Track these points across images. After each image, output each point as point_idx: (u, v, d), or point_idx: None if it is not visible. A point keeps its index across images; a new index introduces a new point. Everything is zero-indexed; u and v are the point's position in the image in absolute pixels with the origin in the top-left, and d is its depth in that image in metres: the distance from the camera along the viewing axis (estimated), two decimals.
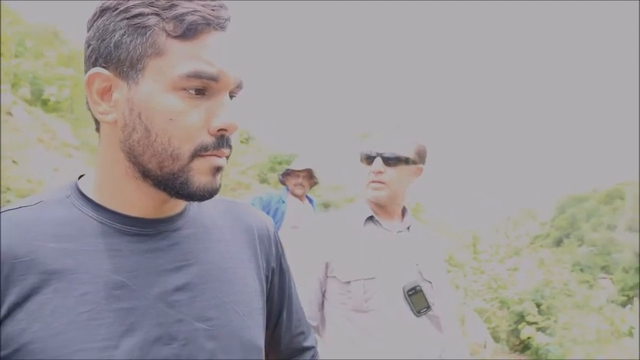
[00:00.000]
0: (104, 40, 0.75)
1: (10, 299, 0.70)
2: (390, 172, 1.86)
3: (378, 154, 1.86)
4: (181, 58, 0.73)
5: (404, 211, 2.00)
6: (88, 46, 0.78)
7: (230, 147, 0.81)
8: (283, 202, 4.45)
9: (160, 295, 0.78)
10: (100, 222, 0.79)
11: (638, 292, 27.90)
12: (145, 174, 0.78)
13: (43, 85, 7.92)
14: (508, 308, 9.45)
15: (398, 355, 1.72)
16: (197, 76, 0.73)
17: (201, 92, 0.75)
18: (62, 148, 7.00)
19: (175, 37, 0.73)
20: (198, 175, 0.77)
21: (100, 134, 0.82)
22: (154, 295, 0.78)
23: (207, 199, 0.80)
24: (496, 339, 8.92)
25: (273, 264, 1.02)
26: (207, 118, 0.76)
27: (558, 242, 43.64)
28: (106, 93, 0.77)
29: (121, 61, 0.74)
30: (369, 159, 1.89)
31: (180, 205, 0.87)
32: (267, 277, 1.00)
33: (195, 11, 0.73)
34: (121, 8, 0.74)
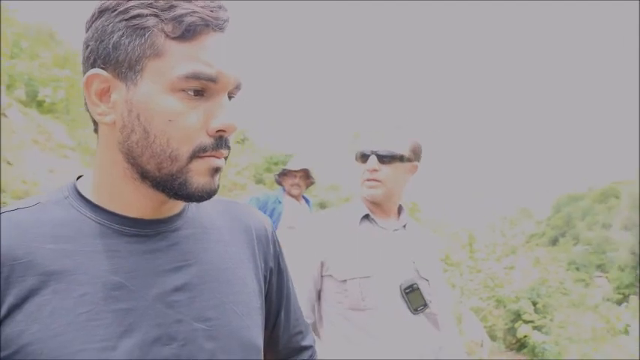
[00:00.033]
0: (103, 41, 0.75)
1: (9, 301, 0.70)
2: (385, 170, 1.86)
3: (373, 152, 1.86)
4: (180, 60, 0.73)
5: (400, 209, 2.00)
6: (87, 47, 0.77)
7: (229, 148, 0.81)
8: (280, 202, 4.44)
9: (158, 296, 0.78)
10: (99, 223, 0.79)
11: (633, 290, 28.01)
12: (144, 175, 0.78)
13: (38, 86, 7.89)
14: (504, 307, 9.48)
15: (396, 354, 1.72)
16: (196, 77, 0.73)
17: (199, 93, 0.75)
18: (57, 149, 6.98)
19: (174, 39, 0.73)
20: (197, 176, 0.77)
21: (99, 135, 0.81)
22: (152, 295, 0.78)
23: (206, 199, 0.80)
24: (493, 337, 8.94)
25: (272, 264, 1.03)
26: (205, 119, 0.76)
27: (554, 241, 43.80)
28: (104, 94, 0.77)
29: (119, 62, 0.74)
30: (364, 157, 1.89)
31: (178, 205, 0.87)
32: (265, 277, 1.00)
33: (194, 12, 0.73)
34: (120, 9, 0.74)
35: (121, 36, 0.73)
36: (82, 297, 0.73)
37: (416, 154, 1.93)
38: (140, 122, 0.74)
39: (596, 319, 10.43)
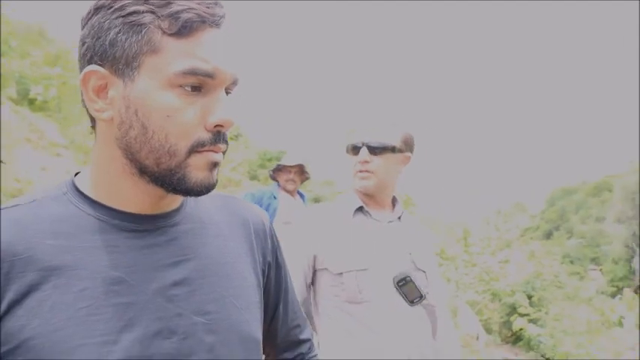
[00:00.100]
0: (99, 38, 0.75)
1: (9, 296, 0.70)
2: (377, 162, 1.85)
3: (364, 144, 1.85)
4: (177, 56, 0.74)
5: (394, 201, 1.99)
6: (83, 44, 0.78)
7: (226, 143, 0.81)
8: (275, 197, 4.43)
9: (158, 290, 0.78)
10: (97, 218, 0.79)
11: (627, 282, 28.19)
12: (142, 170, 0.78)
13: (30, 84, 7.85)
14: (500, 300, 9.51)
15: (393, 346, 1.72)
16: (193, 73, 0.74)
17: (197, 89, 0.76)
18: (50, 147, 6.95)
19: (171, 35, 0.74)
20: (196, 170, 0.78)
21: (96, 132, 0.82)
22: (152, 290, 0.78)
23: (205, 194, 0.81)
24: (488, 331, 8.97)
25: (270, 258, 1.03)
26: (203, 115, 0.77)
27: (548, 235, 43.99)
28: (101, 91, 0.77)
29: (116, 59, 0.75)
30: (355, 149, 1.88)
31: (177, 200, 0.88)
32: (263, 272, 1.01)
33: (191, 9, 0.74)
34: (116, 6, 0.74)
35: (118, 33, 0.74)
36: (82, 292, 0.73)
37: (407, 145, 1.92)
38: (138, 118, 0.75)
39: (590, 311, 10.50)
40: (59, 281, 0.72)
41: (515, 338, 8.80)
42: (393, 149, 1.85)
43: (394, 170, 1.90)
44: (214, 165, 0.80)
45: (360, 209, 1.89)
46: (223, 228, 0.94)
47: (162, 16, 0.73)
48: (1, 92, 6.81)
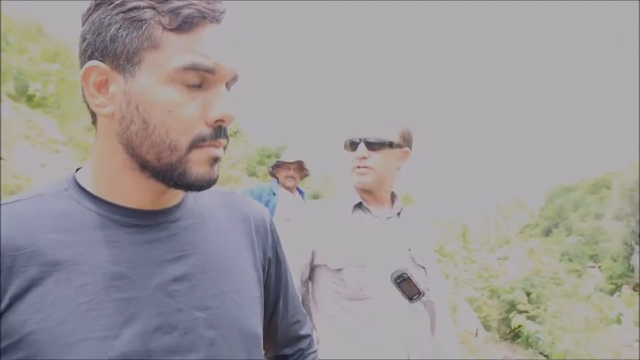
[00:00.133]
0: (100, 33, 0.75)
1: (12, 290, 0.70)
2: (375, 157, 1.84)
3: (362, 139, 1.84)
4: (177, 51, 0.74)
5: (393, 196, 1.98)
6: (84, 40, 0.78)
7: (227, 137, 0.81)
8: (274, 194, 4.43)
9: (159, 286, 0.79)
10: (99, 214, 0.79)
11: (625, 280, 28.24)
12: (143, 165, 0.78)
13: (28, 80, 7.83)
14: (498, 297, 9.53)
15: (393, 342, 1.71)
16: (193, 68, 0.74)
17: (197, 84, 0.76)
18: (49, 144, 6.93)
19: (171, 30, 0.74)
20: (196, 165, 0.78)
21: (97, 127, 0.82)
22: (153, 285, 0.78)
23: (206, 189, 0.81)
24: (487, 327, 8.99)
25: (270, 254, 1.03)
26: (204, 110, 0.77)
27: (547, 232, 44.05)
28: (102, 86, 0.77)
29: (117, 55, 0.75)
30: (353, 145, 1.87)
31: (177, 196, 0.88)
32: (264, 267, 1.01)
33: (191, 4, 0.74)
34: (117, 2, 0.74)
35: (119, 28, 0.74)
36: (84, 287, 0.73)
37: (406, 140, 1.90)
38: (139, 113, 0.75)
39: (589, 308, 10.52)
40: (61, 276, 0.73)
41: (514, 335, 8.82)
42: (391, 145, 1.84)
43: (393, 166, 1.89)
44: (215, 160, 0.80)
45: (359, 205, 1.88)
46: (223, 223, 0.94)
47: (162, 11, 0.73)
48: (0, 89, 6.80)
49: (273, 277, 1.06)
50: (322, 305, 1.81)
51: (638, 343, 9.66)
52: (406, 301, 1.75)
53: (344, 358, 1.72)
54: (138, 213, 0.82)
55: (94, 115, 0.82)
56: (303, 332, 1.18)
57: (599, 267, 33.65)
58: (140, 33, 0.73)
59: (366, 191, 1.90)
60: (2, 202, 0.77)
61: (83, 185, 0.82)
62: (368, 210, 1.88)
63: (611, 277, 30.14)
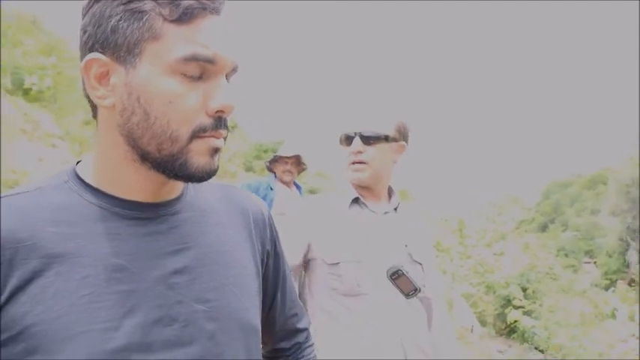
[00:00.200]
0: (100, 25, 0.75)
1: (13, 282, 0.70)
2: (371, 152, 1.82)
3: (357, 134, 1.82)
4: (178, 42, 0.74)
5: (390, 191, 1.96)
6: (84, 32, 0.78)
7: (227, 128, 0.82)
8: (271, 189, 4.42)
9: (159, 278, 0.79)
10: (99, 206, 0.80)
11: (620, 275, 28.33)
12: (144, 157, 0.79)
13: (24, 74, 7.79)
14: (494, 293, 9.56)
15: (389, 339, 1.71)
16: (194, 58, 0.74)
17: (197, 75, 0.76)
18: (45, 138, 6.91)
19: (172, 22, 0.74)
20: (197, 156, 0.78)
21: (98, 119, 0.82)
22: (153, 277, 0.79)
23: (206, 179, 0.81)
24: (483, 323, 9.03)
25: (268, 247, 1.04)
26: (204, 100, 0.77)
27: (543, 227, 44.11)
28: (103, 78, 0.78)
29: (118, 46, 0.75)
30: (348, 139, 1.85)
31: (177, 189, 0.88)
32: (262, 260, 1.01)
33: None
34: None
35: (119, 20, 0.74)
36: (85, 279, 0.74)
37: (401, 134, 1.88)
38: (140, 104, 0.75)
39: (584, 303, 10.58)
40: (62, 268, 0.73)
41: (510, 330, 8.86)
42: (386, 138, 1.83)
43: (389, 160, 1.87)
44: (216, 150, 0.80)
45: (356, 200, 1.86)
46: (222, 216, 0.94)
47: (162, 3, 0.74)
48: (0, 84, 6.77)
49: (272, 270, 1.06)
50: (318, 300, 1.80)
51: (632, 338, 9.71)
52: (403, 297, 1.74)
53: (340, 354, 1.71)
54: (139, 205, 0.82)
55: (94, 108, 0.82)
56: (300, 326, 1.18)
57: (595, 262, 33.73)
58: (141, 24, 0.74)
59: (362, 187, 1.88)
60: (3, 195, 0.77)
61: (83, 178, 0.82)
62: (365, 205, 1.86)
63: (606, 273, 30.23)
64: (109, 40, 0.75)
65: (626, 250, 31.34)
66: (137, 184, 0.82)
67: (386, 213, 1.88)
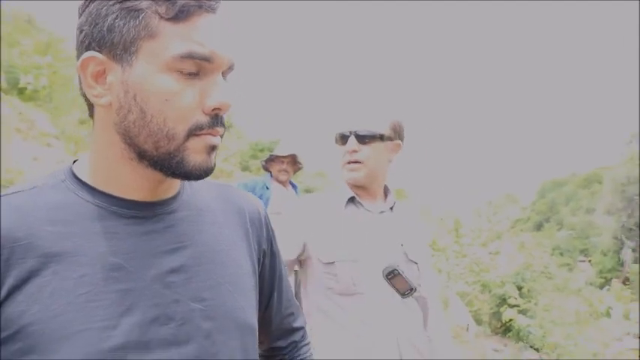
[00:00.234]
0: (97, 24, 0.75)
1: (9, 282, 0.70)
2: (366, 151, 1.81)
3: (352, 133, 1.82)
4: (174, 40, 0.74)
5: (386, 190, 1.96)
6: (81, 31, 0.78)
7: (224, 126, 0.82)
8: (267, 188, 4.42)
9: (156, 277, 0.79)
10: (96, 205, 0.80)
11: (615, 274, 28.43)
12: (141, 155, 0.79)
13: (19, 73, 7.76)
14: (490, 291, 9.57)
15: (385, 338, 1.71)
16: (190, 56, 0.75)
17: (194, 73, 0.76)
18: (41, 137, 6.89)
19: (168, 20, 0.74)
20: (194, 154, 0.78)
21: (95, 118, 0.82)
22: (150, 276, 0.79)
23: (204, 177, 0.81)
24: (478, 322, 9.04)
25: (265, 246, 1.04)
26: (201, 98, 0.77)
27: (538, 226, 44.21)
28: (100, 76, 0.78)
29: (114, 45, 0.75)
30: (343, 138, 1.84)
31: (174, 188, 0.88)
32: (258, 259, 1.01)
33: None
34: None
35: (115, 18, 0.74)
36: (82, 278, 0.74)
37: (397, 133, 1.88)
38: (137, 102, 0.75)
39: (579, 302, 10.59)
40: (59, 267, 0.73)
41: (505, 329, 8.87)
42: (381, 137, 1.82)
43: (384, 159, 1.87)
44: (212, 148, 0.80)
45: (352, 200, 1.86)
46: (219, 216, 0.94)
47: (159, 1, 0.74)
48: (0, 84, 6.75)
49: (268, 270, 1.06)
50: (314, 299, 1.79)
51: (627, 337, 9.74)
52: (398, 297, 1.73)
53: (336, 353, 1.71)
54: (136, 204, 0.82)
55: (91, 107, 0.82)
56: (296, 324, 1.18)
57: (590, 261, 33.86)
58: (137, 22, 0.74)
59: (358, 186, 1.88)
60: (2, 194, 0.77)
61: (80, 177, 0.82)
62: (361, 204, 1.86)
63: (601, 271, 30.35)
64: (105, 39, 0.75)
65: (621, 248, 31.46)
66: (134, 183, 0.82)
67: (382, 212, 1.88)
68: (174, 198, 0.88)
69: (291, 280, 1.83)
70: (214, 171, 0.83)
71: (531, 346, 8.06)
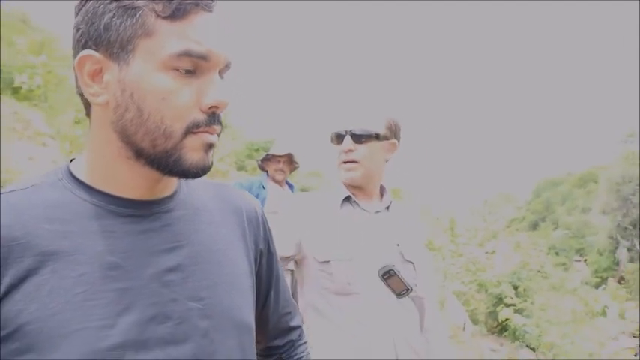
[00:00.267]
0: (93, 23, 0.75)
1: (7, 280, 0.70)
2: (362, 150, 1.81)
3: (348, 132, 1.81)
4: (171, 38, 0.74)
5: (382, 190, 1.95)
6: (77, 30, 0.78)
7: (221, 124, 0.82)
8: (263, 188, 4.42)
9: (153, 276, 0.79)
10: (94, 204, 0.80)
11: (611, 273, 28.53)
12: (138, 153, 0.79)
13: (14, 73, 7.73)
14: (486, 291, 9.59)
15: (381, 338, 1.70)
16: (187, 54, 0.75)
17: (191, 71, 0.77)
18: (36, 137, 6.86)
19: (164, 18, 0.74)
20: (191, 152, 0.79)
21: (91, 117, 0.82)
22: (148, 275, 0.79)
23: (201, 175, 0.81)
24: (474, 321, 9.06)
25: (262, 245, 1.04)
26: (198, 96, 0.78)
27: (534, 226, 44.32)
28: (97, 75, 0.78)
29: (111, 43, 0.75)
30: (339, 138, 1.84)
31: (171, 187, 0.88)
32: (255, 259, 1.01)
33: None
34: None
35: (112, 17, 0.74)
36: (80, 277, 0.74)
37: (393, 132, 1.87)
38: (134, 101, 0.75)
39: (575, 301, 10.64)
40: (57, 266, 0.73)
41: (501, 328, 8.89)
42: (377, 137, 1.81)
43: (380, 158, 1.86)
44: (210, 146, 0.80)
45: (348, 199, 1.85)
46: (216, 215, 0.94)
47: None
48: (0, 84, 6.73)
49: (265, 269, 1.06)
50: (309, 298, 1.79)
51: (623, 335, 9.79)
52: (394, 297, 1.73)
53: (331, 352, 1.71)
54: (133, 203, 0.82)
55: (87, 106, 0.82)
56: (293, 323, 1.19)
57: (586, 260, 33.96)
58: (134, 21, 0.74)
59: (354, 186, 1.87)
60: (1, 192, 0.77)
61: (77, 176, 0.82)
62: (357, 204, 1.85)
63: (596, 271, 30.44)
64: (102, 38, 0.75)
65: (616, 248, 31.55)
66: (131, 182, 0.82)
67: (378, 212, 1.87)
68: (171, 197, 0.88)
69: (287, 280, 1.82)
70: (210, 171, 0.83)
71: (527, 346, 8.08)
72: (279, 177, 4.47)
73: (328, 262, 1.73)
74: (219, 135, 0.82)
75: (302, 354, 1.20)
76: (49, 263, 0.72)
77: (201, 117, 0.78)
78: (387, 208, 1.91)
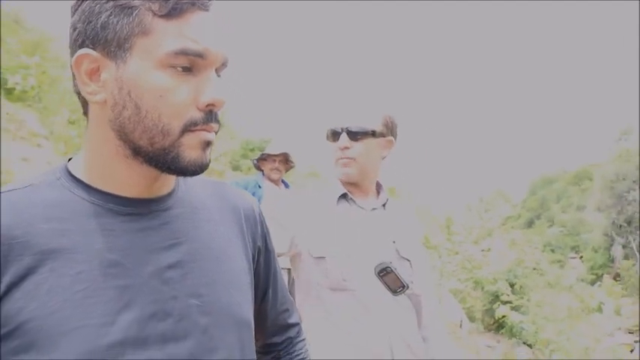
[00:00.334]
0: (90, 22, 0.76)
1: (7, 279, 0.71)
2: (358, 147, 1.80)
3: (344, 129, 1.81)
4: (168, 37, 0.75)
5: (379, 187, 1.95)
6: (74, 29, 0.78)
7: (218, 122, 0.82)
8: (259, 187, 4.42)
9: (153, 273, 0.80)
10: (92, 203, 0.80)
11: (606, 270, 28.64)
12: (136, 151, 0.79)
13: (7, 73, 7.70)
14: (482, 288, 9.63)
15: (376, 335, 1.70)
16: (184, 52, 0.75)
17: (188, 69, 0.77)
18: (30, 138, 6.84)
19: (161, 17, 0.75)
20: (189, 149, 0.79)
21: (89, 116, 0.82)
22: (147, 272, 0.79)
23: (199, 173, 0.82)
24: (471, 318, 9.08)
25: (259, 243, 1.05)
26: (195, 94, 0.78)
27: (529, 223, 44.44)
28: (94, 73, 0.78)
29: (108, 42, 0.76)
30: (335, 135, 1.83)
31: (169, 185, 0.89)
32: (253, 256, 1.02)
33: None
34: None
35: (109, 15, 0.75)
36: (79, 275, 0.74)
37: (389, 129, 1.86)
38: (131, 99, 0.76)
39: (571, 298, 10.67)
40: (56, 264, 0.73)
41: (498, 325, 8.93)
42: (373, 134, 1.81)
43: (376, 156, 1.85)
44: (207, 144, 0.81)
45: (344, 196, 1.85)
46: (214, 213, 0.95)
47: None
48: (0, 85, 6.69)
49: (263, 266, 1.07)
50: (305, 294, 1.79)
51: (619, 332, 9.82)
52: (390, 294, 1.72)
53: (328, 349, 1.70)
54: (131, 201, 0.82)
55: (85, 105, 0.82)
56: (291, 321, 1.19)
57: (581, 257, 34.12)
58: (131, 19, 0.74)
59: (350, 183, 1.86)
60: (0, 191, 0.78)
61: (75, 174, 0.82)
62: (353, 201, 1.85)
63: (592, 268, 30.59)
64: (99, 36, 0.76)
65: (611, 245, 31.71)
66: (129, 180, 0.82)
67: (374, 209, 1.87)
68: (169, 195, 0.88)
69: (284, 278, 1.81)
70: (205, 171, 0.83)
71: (524, 342, 8.11)
72: (274, 176, 4.48)
73: (323, 258, 1.73)
74: (216, 133, 0.83)
75: (300, 351, 1.20)
76: (48, 262, 0.73)
77: (198, 115, 0.78)
78: (384, 205, 1.91)
